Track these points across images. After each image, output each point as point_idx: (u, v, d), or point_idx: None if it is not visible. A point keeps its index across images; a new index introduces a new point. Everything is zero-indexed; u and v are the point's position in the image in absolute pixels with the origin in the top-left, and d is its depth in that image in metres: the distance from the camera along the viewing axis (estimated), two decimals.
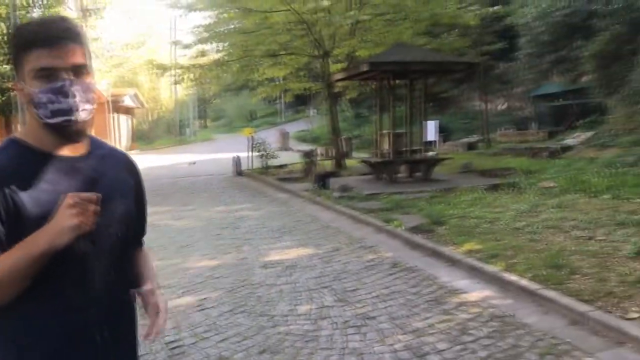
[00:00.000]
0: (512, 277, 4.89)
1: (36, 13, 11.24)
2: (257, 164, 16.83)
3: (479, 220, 7.48)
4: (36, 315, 1.34)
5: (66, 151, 1.40)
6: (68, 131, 1.36)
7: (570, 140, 16.94)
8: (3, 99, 10.36)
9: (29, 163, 1.35)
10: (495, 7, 16.17)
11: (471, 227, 7.11)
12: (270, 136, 23.69)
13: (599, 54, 16.35)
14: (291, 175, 15.12)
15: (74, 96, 1.32)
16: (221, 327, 4.25)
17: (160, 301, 1.58)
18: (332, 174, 13.32)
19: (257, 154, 16.81)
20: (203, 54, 17.27)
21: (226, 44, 17.04)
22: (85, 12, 20.64)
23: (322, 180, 11.67)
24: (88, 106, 1.36)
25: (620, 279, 4.67)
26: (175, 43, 21.01)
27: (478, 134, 23.15)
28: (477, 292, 4.83)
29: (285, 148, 26.39)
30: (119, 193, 1.48)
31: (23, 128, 1.46)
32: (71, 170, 1.40)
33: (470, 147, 20.06)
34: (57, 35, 1.32)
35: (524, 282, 4.77)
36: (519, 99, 26.34)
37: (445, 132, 23.42)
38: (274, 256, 6.44)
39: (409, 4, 13.94)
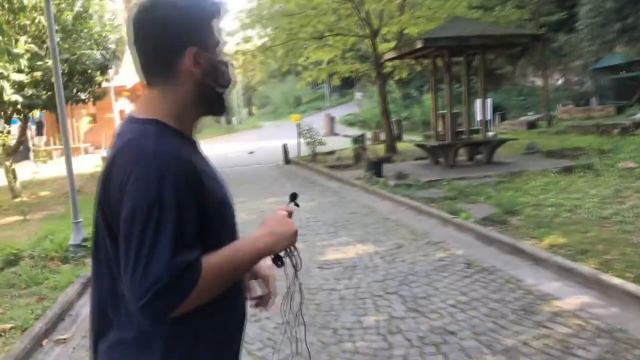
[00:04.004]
0: (614, 280, 4.16)
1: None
2: (305, 151, 16.30)
3: (557, 209, 6.71)
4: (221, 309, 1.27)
5: (192, 135, 1.31)
6: (226, 102, 1.33)
7: None
8: (49, 94, 10.19)
9: (186, 147, 1.22)
10: None
11: (550, 217, 6.36)
12: (317, 121, 23.14)
13: None
14: (341, 162, 14.53)
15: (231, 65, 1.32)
16: (278, 342, 3.72)
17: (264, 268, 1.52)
18: (385, 160, 12.63)
19: (304, 140, 16.28)
20: (247, 40, 16.80)
21: (270, 29, 16.52)
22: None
23: (375, 167, 10.98)
24: None
25: None
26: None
27: (535, 112, 21.88)
28: (572, 299, 4.13)
29: (332, 133, 25.81)
30: None
31: (152, 107, 1.23)
32: (202, 156, 1.31)
33: (531, 125, 18.89)
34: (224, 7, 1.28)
35: (630, 286, 4.04)
36: (576, 73, 24.73)
37: (500, 111, 22.24)
38: (331, 255, 5.88)
39: None
